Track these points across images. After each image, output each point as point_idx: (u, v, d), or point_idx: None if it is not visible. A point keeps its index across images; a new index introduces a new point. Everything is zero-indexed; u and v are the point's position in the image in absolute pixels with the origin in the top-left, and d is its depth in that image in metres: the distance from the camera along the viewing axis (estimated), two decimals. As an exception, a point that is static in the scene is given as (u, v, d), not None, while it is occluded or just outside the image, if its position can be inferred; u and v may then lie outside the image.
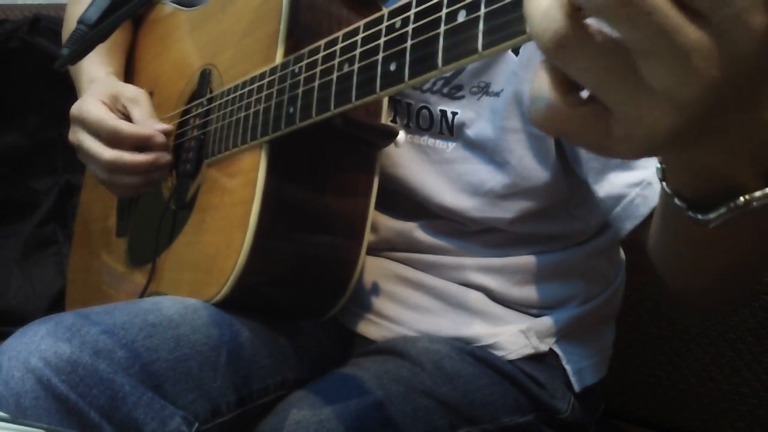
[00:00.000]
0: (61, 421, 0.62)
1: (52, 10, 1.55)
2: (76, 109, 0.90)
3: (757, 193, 0.45)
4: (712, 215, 0.46)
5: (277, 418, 0.74)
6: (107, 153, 0.86)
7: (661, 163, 0.49)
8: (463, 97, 0.80)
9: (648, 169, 0.70)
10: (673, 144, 0.41)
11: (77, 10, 1.09)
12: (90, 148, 0.88)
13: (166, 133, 0.87)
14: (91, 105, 0.89)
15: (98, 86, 0.95)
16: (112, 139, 0.86)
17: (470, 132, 0.80)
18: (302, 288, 0.79)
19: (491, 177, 0.80)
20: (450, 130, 0.81)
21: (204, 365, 0.70)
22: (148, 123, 0.88)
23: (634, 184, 0.70)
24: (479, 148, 0.80)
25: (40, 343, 0.64)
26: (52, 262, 1.49)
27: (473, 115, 0.79)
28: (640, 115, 0.36)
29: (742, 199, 0.45)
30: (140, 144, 0.86)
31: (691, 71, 0.33)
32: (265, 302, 0.79)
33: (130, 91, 0.93)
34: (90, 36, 0.69)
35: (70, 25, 1.11)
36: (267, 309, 0.79)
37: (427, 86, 0.81)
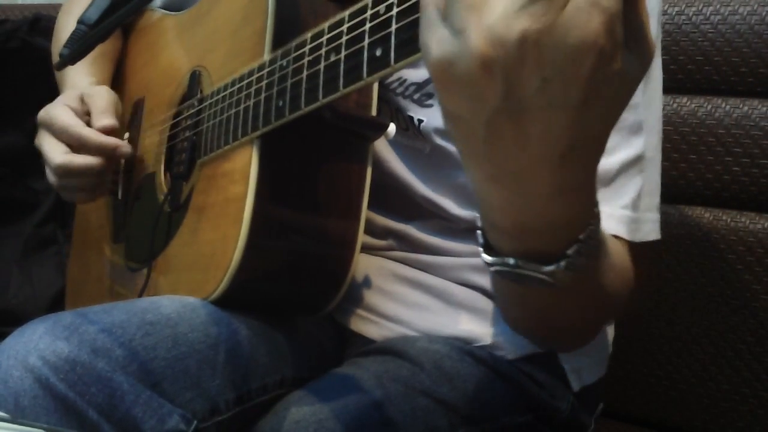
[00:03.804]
0: (59, 420, 0.62)
1: (52, 10, 1.55)
2: (44, 113, 0.92)
3: (514, 261, 0.51)
4: (489, 260, 0.52)
5: (276, 418, 0.74)
6: (58, 158, 0.88)
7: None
8: (431, 105, 0.80)
9: None
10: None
11: (66, 21, 1.10)
12: (47, 152, 0.90)
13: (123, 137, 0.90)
14: (59, 110, 0.91)
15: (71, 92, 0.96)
16: (79, 146, 0.89)
17: (438, 141, 0.80)
18: (300, 280, 0.79)
19: None
20: (421, 135, 0.82)
21: (202, 363, 0.70)
22: (100, 117, 0.90)
23: None
24: (453, 154, 0.80)
25: (38, 342, 0.64)
26: (52, 262, 1.49)
27: (440, 124, 0.79)
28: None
29: (511, 260, 0.50)
30: (105, 153, 0.89)
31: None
32: (263, 297, 0.79)
33: (93, 88, 0.95)
34: (90, 36, 0.70)
35: (59, 36, 1.11)
36: (265, 304, 0.79)
37: (399, 90, 0.82)
